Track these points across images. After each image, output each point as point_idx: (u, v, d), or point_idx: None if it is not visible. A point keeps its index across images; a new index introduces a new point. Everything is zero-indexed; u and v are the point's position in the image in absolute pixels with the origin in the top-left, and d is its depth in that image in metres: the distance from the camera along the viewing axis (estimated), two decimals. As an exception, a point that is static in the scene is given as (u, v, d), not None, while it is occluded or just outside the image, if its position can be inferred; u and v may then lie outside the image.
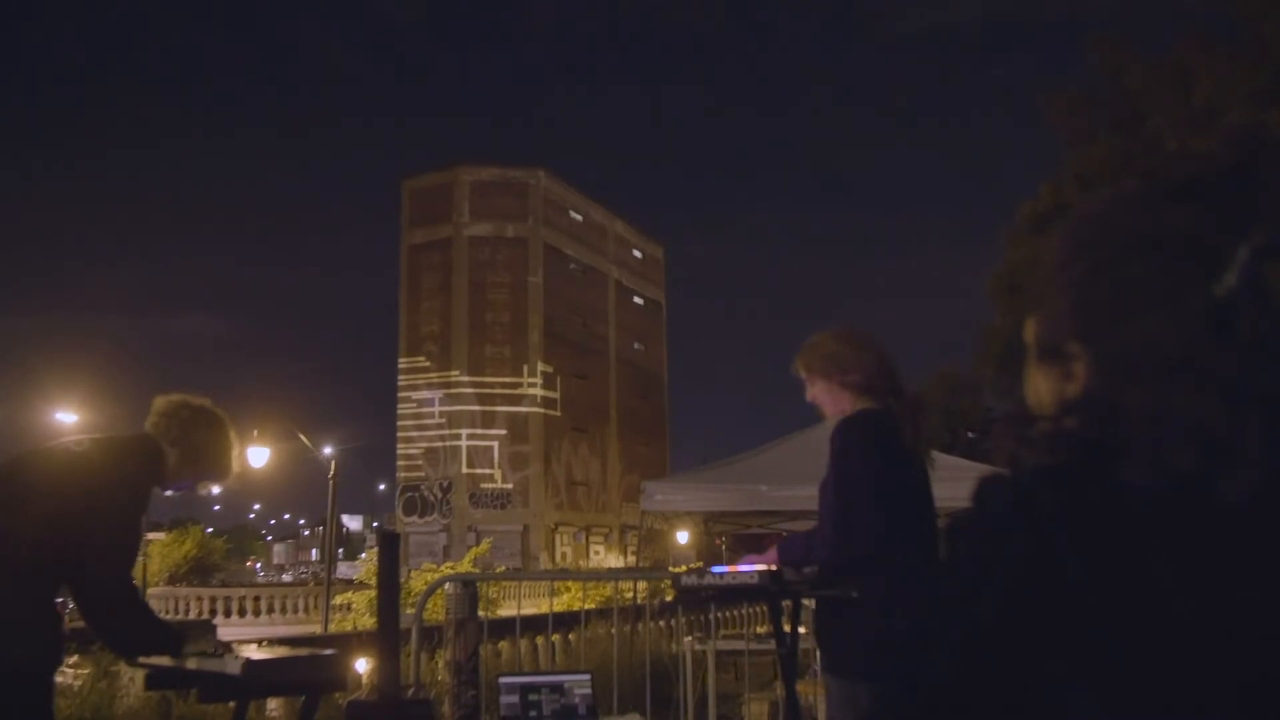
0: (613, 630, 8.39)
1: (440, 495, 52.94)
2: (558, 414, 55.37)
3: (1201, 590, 0.73)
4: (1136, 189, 0.88)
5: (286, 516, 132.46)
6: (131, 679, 5.80)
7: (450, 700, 4.93)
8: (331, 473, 22.19)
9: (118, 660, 5.46)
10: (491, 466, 53.35)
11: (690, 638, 7.56)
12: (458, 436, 53.40)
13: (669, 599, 12.30)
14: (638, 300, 65.91)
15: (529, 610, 14.61)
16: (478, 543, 30.27)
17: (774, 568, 2.67)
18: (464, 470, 53.11)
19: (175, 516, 53.76)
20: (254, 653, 2.91)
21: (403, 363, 55.06)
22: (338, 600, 20.23)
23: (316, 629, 20.33)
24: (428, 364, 54.15)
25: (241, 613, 29.04)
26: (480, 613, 5.46)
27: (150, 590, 28.86)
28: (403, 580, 9.97)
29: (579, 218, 60.05)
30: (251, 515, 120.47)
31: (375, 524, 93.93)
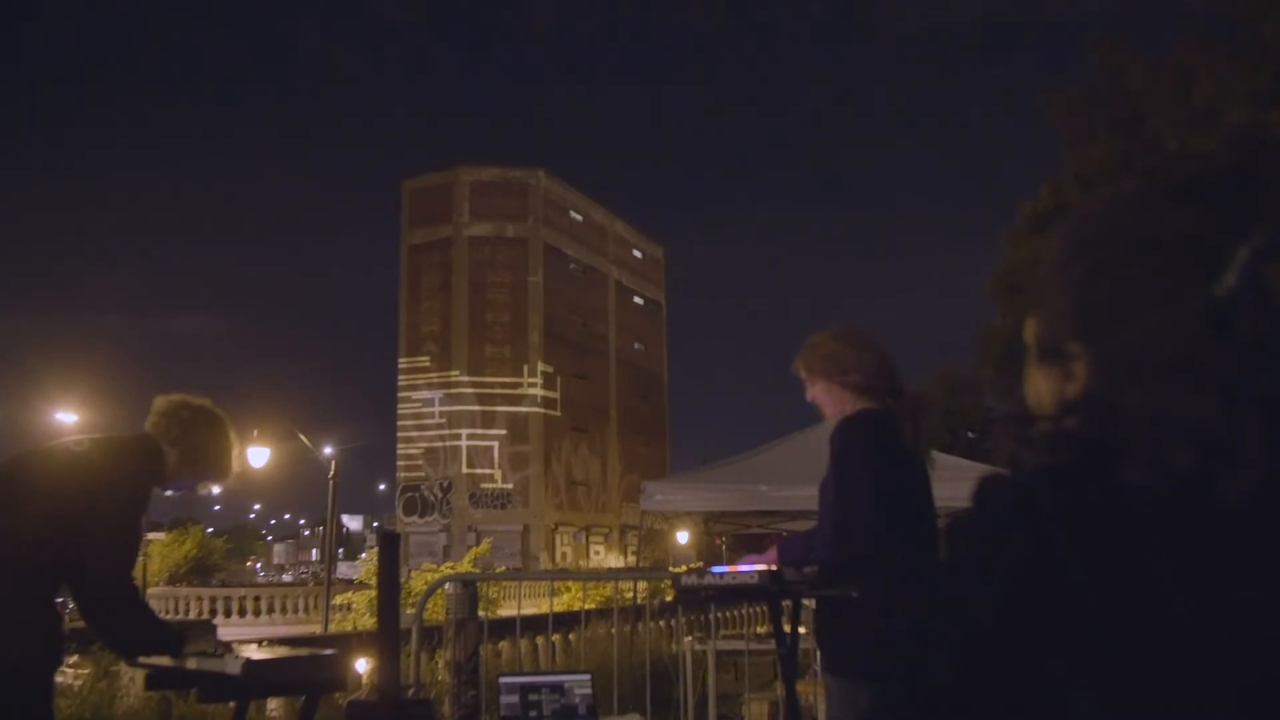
0: (613, 630, 8.40)
1: (440, 495, 52.95)
2: (558, 414, 55.38)
3: (1201, 590, 0.73)
4: (1136, 189, 0.89)
5: (286, 516, 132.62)
6: (131, 679, 5.80)
7: (450, 700, 4.93)
8: (331, 473, 22.19)
9: (118, 660, 5.47)
10: (491, 466, 53.36)
11: (690, 638, 7.56)
12: (458, 436, 53.41)
13: (669, 599, 12.31)
14: (638, 300, 65.92)
15: (529, 610, 14.61)
16: (478, 543, 30.28)
17: (774, 568, 2.66)
18: (464, 470, 53.12)
19: (175, 516, 53.85)
20: (254, 653, 2.91)
21: (403, 363, 55.07)
22: (338, 600, 20.23)
23: (316, 629, 20.33)
24: (428, 364, 54.16)
25: (241, 613, 29.04)
26: (480, 613, 5.46)
27: (150, 590, 28.86)
28: (403, 580, 9.96)
29: (579, 218, 60.06)
30: (251, 515, 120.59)
31: (375, 524, 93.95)
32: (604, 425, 60.02)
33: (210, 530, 56.22)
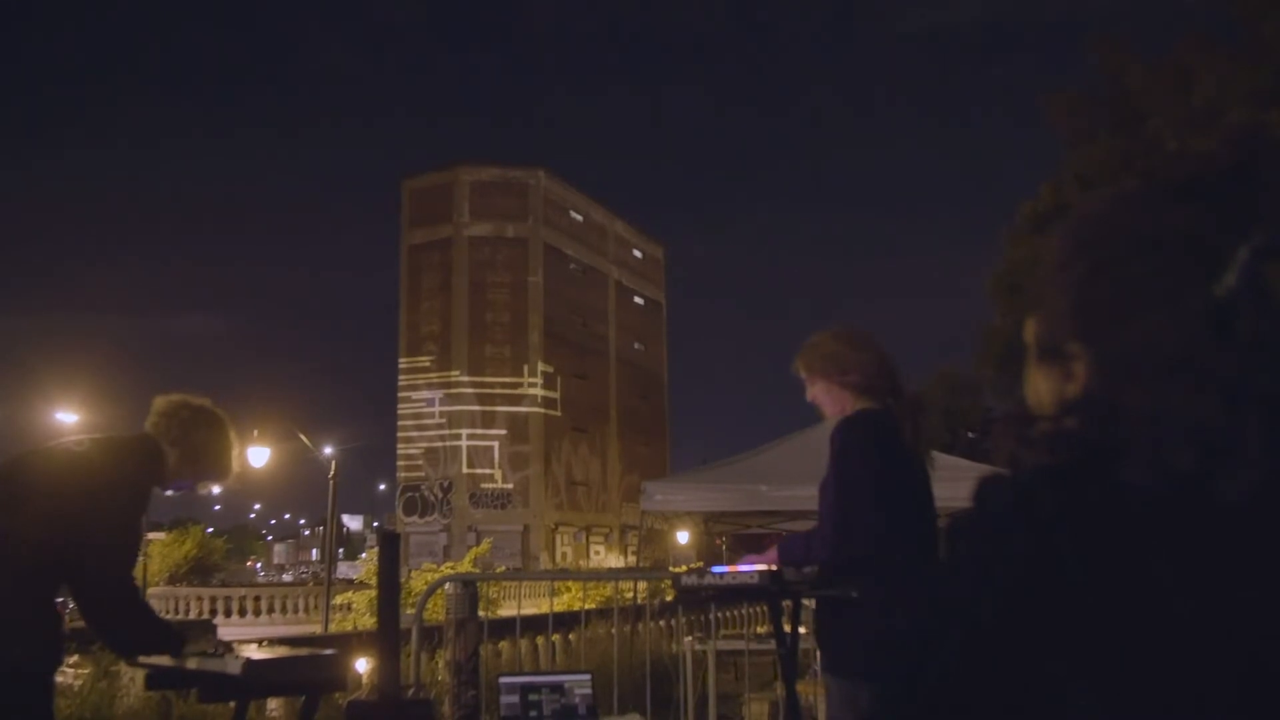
0: (613, 630, 8.40)
1: (440, 495, 52.95)
2: (558, 414, 55.38)
3: (1201, 590, 0.73)
4: (1136, 189, 0.89)
5: (287, 516, 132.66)
6: (131, 679, 5.81)
7: (450, 700, 4.93)
8: (331, 473, 22.21)
9: (118, 660, 5.47)
10: (492, 466, 53.36)
11: (690, 638, 7.56)
12: (458, 436, 53.41)
13: (669, 599, 12.30)
14: (638, 300, 65.91)
15: (529, 610, 14.63)
16: (478, 543, 30.30)
17: (774, 568, 2.66)
18: (464, 470, 53.12)
19: (175, 516, 53.87)
20: (254, 653, 2.91)
21: (403, 363, 55.07)
22: (338, 600, 20.24)
23: (317, 629, 20.34)
24: (428, 364, 54.16)
25: (242, 613, 29.06)
26: (480, 613, 5.46)
27: (150, 590, 28.84)
28: (403, 580, 9.96)
29: (579, 218, 60.06)
30: (252, 515, 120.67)
31: (375, 524, 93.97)
32: (604, 425, 60.02)
33: (210, 530, 56.22)
